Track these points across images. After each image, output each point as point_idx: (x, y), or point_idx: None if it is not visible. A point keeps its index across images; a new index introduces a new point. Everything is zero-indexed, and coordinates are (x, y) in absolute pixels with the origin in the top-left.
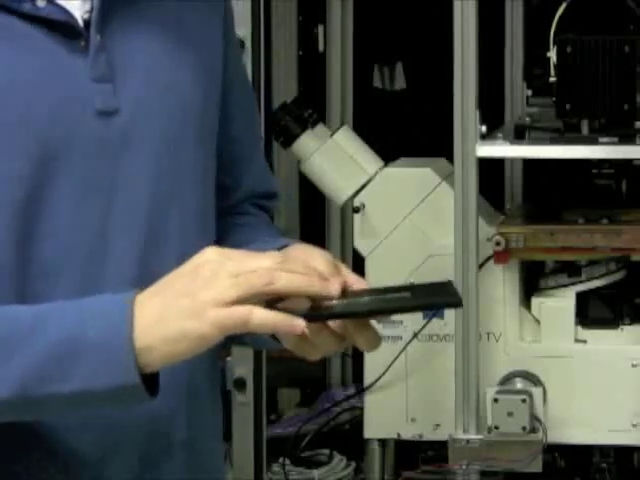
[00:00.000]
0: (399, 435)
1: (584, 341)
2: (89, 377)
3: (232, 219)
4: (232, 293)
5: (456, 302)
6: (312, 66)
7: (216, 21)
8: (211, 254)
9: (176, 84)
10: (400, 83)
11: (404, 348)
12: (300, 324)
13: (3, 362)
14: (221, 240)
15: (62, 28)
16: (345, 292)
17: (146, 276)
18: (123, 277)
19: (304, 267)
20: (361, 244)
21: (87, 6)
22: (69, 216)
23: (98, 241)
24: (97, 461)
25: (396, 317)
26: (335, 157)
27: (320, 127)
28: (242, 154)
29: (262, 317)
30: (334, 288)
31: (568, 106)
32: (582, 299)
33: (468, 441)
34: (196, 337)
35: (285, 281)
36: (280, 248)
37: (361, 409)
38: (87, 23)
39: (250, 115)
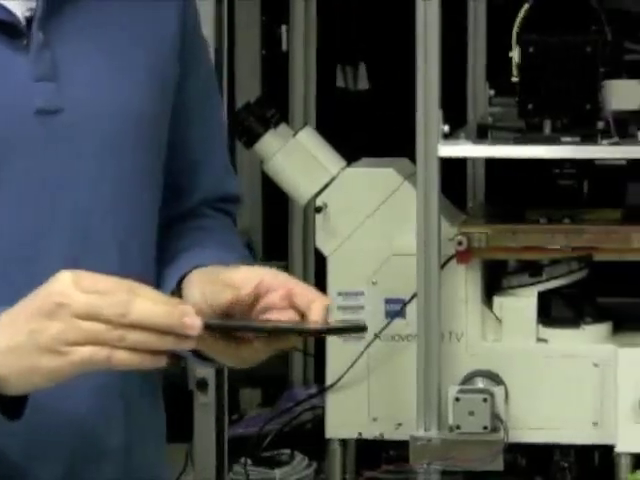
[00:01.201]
0: (360, 435)
1: (546, 340)
2: None
3: (187, 222)
4: (78, 334)
5: (360, 327)
6: (275, 66)
7: (170, 22)
8: (64, 283)
9: (123, 86)
10: (363, 83)
11: (366, 348)
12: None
13: None
14: (169, 245)
15: (2, 27)
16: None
17: None
18: None
19: (161, 296)
20: (323, 244)
21: (31, 4)
22: (8, 217)
23: (36, 243)
24: (24, 466)
25: (359, 317)
26: (298, 157)
27: (283, 127)
28: (198, 157)
29: (122, 357)
30: (192, 325)
31: (530, 106)
32: (544, 298)
33: (429, 440)
34: (48, 373)
35: (139, 314)
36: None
37: (323, 409)
38: (30, 21)
39: (209, 118)
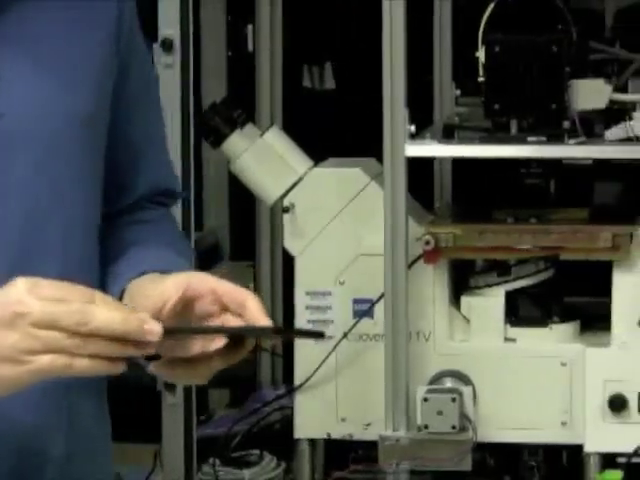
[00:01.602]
0: (329, 435)
1: (513, 340)
2: None
3: (127, 217)
4: (37, 343)
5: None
6: (241, 66)
7: (106, 24)
8: (20, 291)
9: (60, 89)
10: (329, 83)
11: (334, 348)
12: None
13: None
14: (112, 241)
15: None
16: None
17: None
18: None
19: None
20: (291, 244)
21: None
22: None
23: None
24: None
25: (327, 316)
26: (264, 157)
27: (249, 127)
28: (139, 155)
29: (82, 364)
30: (152, 331)
31: (497, 106)
32: (511, 298)
33: (398, 440)
34: (7, 381)
35: (98, 322)
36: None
37: (291, 409)
38: None
39: (149, 116)
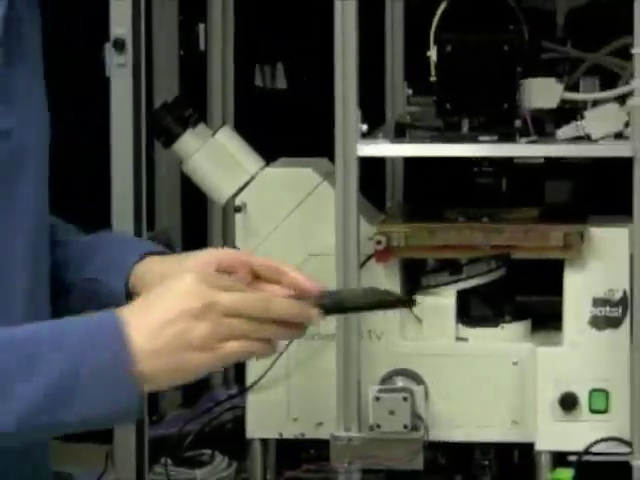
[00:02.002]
0: (281, 435)
1: (465, 339)
2: (93, 406)
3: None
4: (227, 331)
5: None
6: (193, 65)
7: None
8: (198, 284)
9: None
10: (281, 82)
11: (286, 347)
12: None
13: (7, 396)
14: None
15: None
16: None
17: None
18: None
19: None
20: (243, 243)
21: None
22: None
23: None
24: None
25: None
26: (216, 157)
27: (201, 127)
28: None
29: (260, 348)
30: (315, 315)
31: (448, 105)
32: (463, 297)
33: (350, 440)
34: (197, 368)
35: (278, 310)
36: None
37: (243, 409)
38: None
39: None
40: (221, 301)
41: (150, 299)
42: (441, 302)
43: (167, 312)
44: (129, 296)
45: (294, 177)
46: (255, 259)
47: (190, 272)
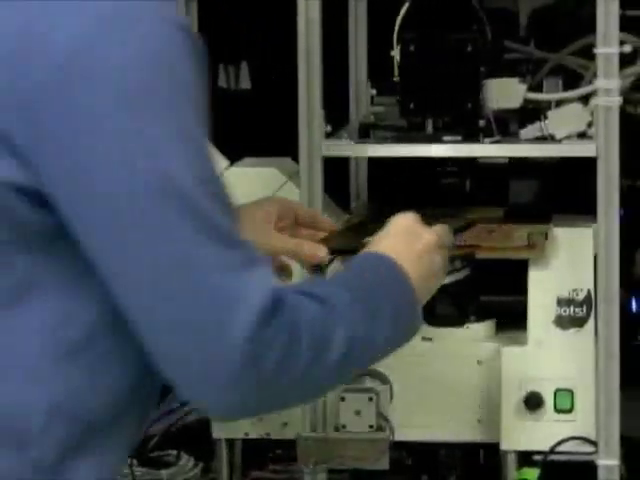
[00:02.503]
0: (247, 434)
1: (430, 339)
2: (407, 330)
3: None
4: (444, 261)
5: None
6: None
7: None
8: (419, 223)
9: None
10: (245, 83)
11: None
12: None
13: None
14: None
15: None
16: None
17: None
18: None
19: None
20: None
21: None
22: None
23: None
24: None
25: None
26: None
27: None
28: None
29: None
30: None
31: (412, 105)
32: None
33: (316, 440)
34: (434, 289)
35: (449, 239)
36: None
37: None
38: None
39: None
40: (439, 239)
41: (393, 239)
42: None
43: (415, 251)
44: None
45: (258, 177)
46: (299, 206)
47: (407, 213)
